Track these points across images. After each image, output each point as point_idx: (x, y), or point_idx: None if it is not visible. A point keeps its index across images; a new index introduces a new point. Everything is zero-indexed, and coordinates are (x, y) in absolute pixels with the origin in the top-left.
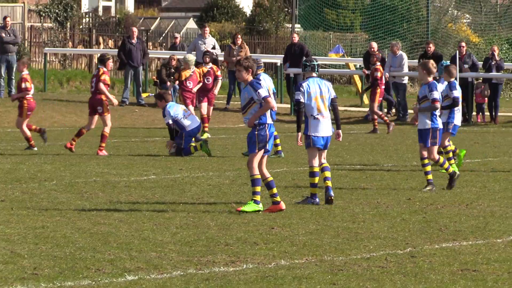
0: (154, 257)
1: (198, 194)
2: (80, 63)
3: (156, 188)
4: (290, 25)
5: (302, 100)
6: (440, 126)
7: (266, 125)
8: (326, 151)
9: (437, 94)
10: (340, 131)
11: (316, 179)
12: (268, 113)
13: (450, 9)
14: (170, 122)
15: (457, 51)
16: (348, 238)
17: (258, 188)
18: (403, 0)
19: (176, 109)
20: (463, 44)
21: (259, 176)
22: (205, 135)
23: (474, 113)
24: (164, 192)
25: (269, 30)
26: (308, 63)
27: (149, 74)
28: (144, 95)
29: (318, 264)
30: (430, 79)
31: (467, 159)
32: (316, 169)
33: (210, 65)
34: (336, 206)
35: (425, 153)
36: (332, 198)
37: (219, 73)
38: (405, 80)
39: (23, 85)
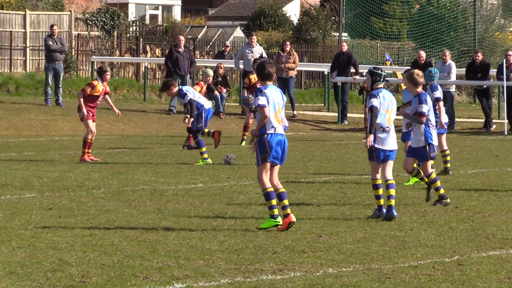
0: (202, 265)
1: (246, 202)
2: (127, 72)
3: (203, 197)
4: (337, 33)
5: (378, 107)
6: (435, 142)
7: (266, 135)
8: (392, 165)
9: (425, 108)
10: None
11: (380, 191)
12: (271, 122)
13: (497, 17)
14: (192, 97)
15: (504, 60)
16: (396, 246)
17: (274, 202)
18: (450, 9)
19: (192, 90)
20: (510, 52)
21: (271, 189)
22: (243, 143)
23: None
24: (212, 200)
25: (316, 38)
26: (378, 73)
27: None
28: None
29: (366, 272)
30: (419, 89)
31: None
32: (379, 182)
33: None
34: None
35: (429, 168)
36: (395, 218)
37: None
38: (453, 88)
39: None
